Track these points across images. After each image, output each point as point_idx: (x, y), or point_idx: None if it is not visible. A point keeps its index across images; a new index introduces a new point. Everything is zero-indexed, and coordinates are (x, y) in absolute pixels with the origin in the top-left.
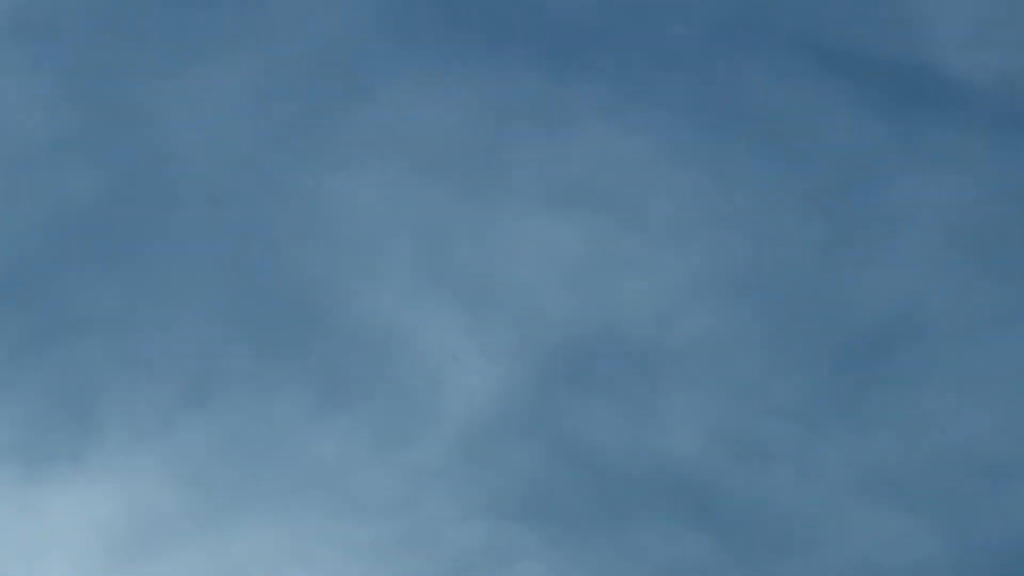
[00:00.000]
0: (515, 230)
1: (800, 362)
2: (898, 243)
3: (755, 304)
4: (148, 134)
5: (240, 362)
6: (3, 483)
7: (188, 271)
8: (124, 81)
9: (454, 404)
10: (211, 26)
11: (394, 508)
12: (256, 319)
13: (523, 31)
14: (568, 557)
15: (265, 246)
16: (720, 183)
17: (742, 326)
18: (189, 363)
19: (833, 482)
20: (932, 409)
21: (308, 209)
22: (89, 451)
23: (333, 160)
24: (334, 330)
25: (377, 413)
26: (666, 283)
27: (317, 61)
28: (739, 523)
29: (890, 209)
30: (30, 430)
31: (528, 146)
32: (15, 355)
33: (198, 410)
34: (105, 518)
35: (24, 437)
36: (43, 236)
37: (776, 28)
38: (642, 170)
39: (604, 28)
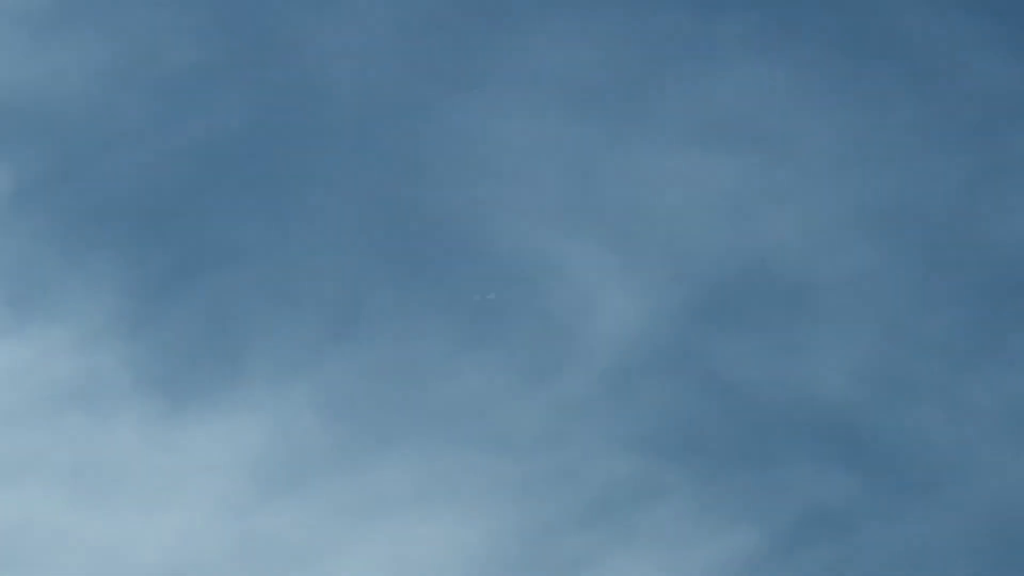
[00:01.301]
0: (665, 164)
1: (949, 299)
2: None
3: (904, 241)
4: (298, 65)
5: (388, 294)
6: (151, 416)
7: (336, 203)
8: (274, 11)
9: (602, 338)
10: None
11: (541, 442)
12: (404, 252)
13: None
14: (714, 493)
15: (414, 179)
16: (869, 120)
17: (891, 263)
18: (336, 296)
19: (981, 419)
20: None
21: (458, 142)
22: (235, 385)
23: (483, 94)
24: (483, 263)
25: (524, 346)
26: (815, 219)
27: None
28: (886, 460)
29: None
30: (177, 364)
31: (678, 81)
32: (162, 288)
33: (345, 343)
34: (252, 450)
35: (171, 371)
36: (191, 167)
37: None
38: (791, 105)
39: None
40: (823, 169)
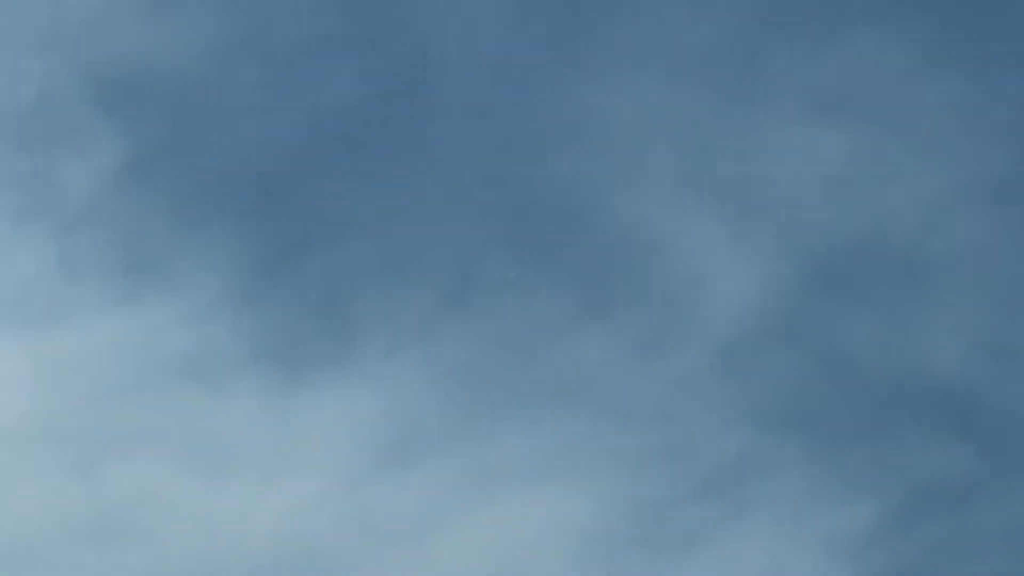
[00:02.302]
0: (778, 137)
1: None
2: None
3: (1018, 214)
4: (412, 38)
5: (501, 268)
6: (265, 390)
7: (448, 177)
8: None
9: (715, 312)
10: None
11: (654, 416)
12: (517, 225)
13: None
14: (827, 468)
15: (527, 152)
16: (984, 94)
17: (1005, 235)
18: (449, 269)
19: None
20: None
21: (570, 116)
22: (350, 358)
23: (595, 67)
24: (596, 236)
25: (638, 320)
26: (929, 191)
27: None
28: (1001, 434)
29: None
30: (291, 337)
31: (791, 53)
32: (276, 261)
33: (458, 317)
34: (365, 425)
35: (285, 344)
36: (305, 139)
37: None
38: (905, 78)
39: None
40: (937, 142)
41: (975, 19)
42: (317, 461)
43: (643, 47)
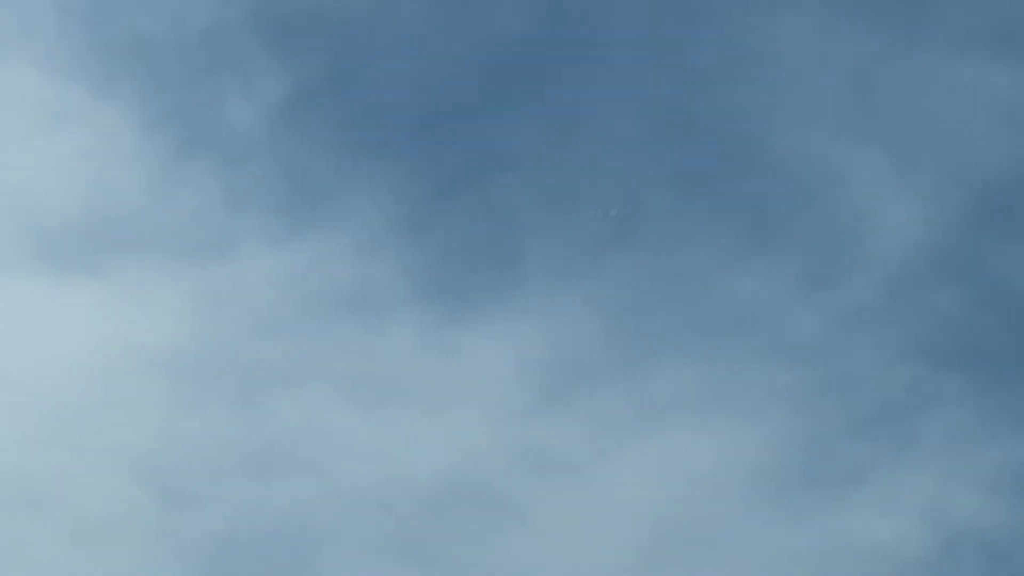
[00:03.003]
0: (944, 71)
1: None
2: None
3: None
4: None
5: (665, 201)
6: (428, 323)
7: (614, 108)
8: None
9: (880, 245)
10: None
11: (818, 350)
12: (681, 157)
13: None
14: (993, 402)
15: (691, 85)
16: None
17: None
18: (614, 202)
19: None
20: None
21: (737, 49)
22: (512, 291)
23: (760, 0)
24: (760, 169)
25: (802, 254)
26: None
27: None
28: None
29: None
30: (454, 270)
31: None
32: (439, 195)
33: (622, 249)
34: (528, 358)
35: (448, 277)
36: (469, 72)
37: None
38: None
39: None
40: None
41: None
42: (480, 394)
43: None
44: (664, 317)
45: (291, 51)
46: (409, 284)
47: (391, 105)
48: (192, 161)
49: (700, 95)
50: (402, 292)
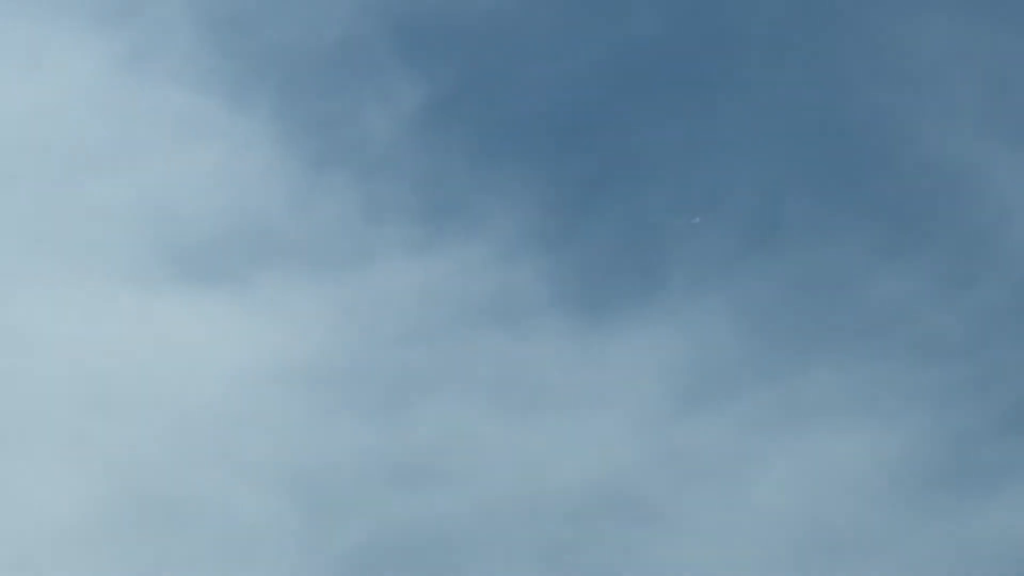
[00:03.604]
0: None
1: None
2: None
3: None
4: None
5: (805, 204)
6: (570, 330)
7: (751, 110)
8: None
9: (1022, 245)
10: None
11: (961, 350)
12: (821, 160)
13: None
14: None
15: (830, 88)
16: None
17: None
18: (754, 206)
19: None
20: None
21: (875, 49)
22: (653, 296)
23: (900, 1)
24: (900, 171)
25: (944, 254)
26: None
27: None
28: None
29: None
30: (594, 276)
31: None
32: (578, 201)
33: (763, 253)
34: (671, 363)
35: (589, 284)
36: (606, 77)
37: None
38: None
39: None
40: None
41: None
42: (623, 400)
43: None
44: (806, 320)
45: (427, 60)
46: (550, 291)
47: (528, 112)
48: (330, 172)
49: (839, 97)
50: (544, 299)
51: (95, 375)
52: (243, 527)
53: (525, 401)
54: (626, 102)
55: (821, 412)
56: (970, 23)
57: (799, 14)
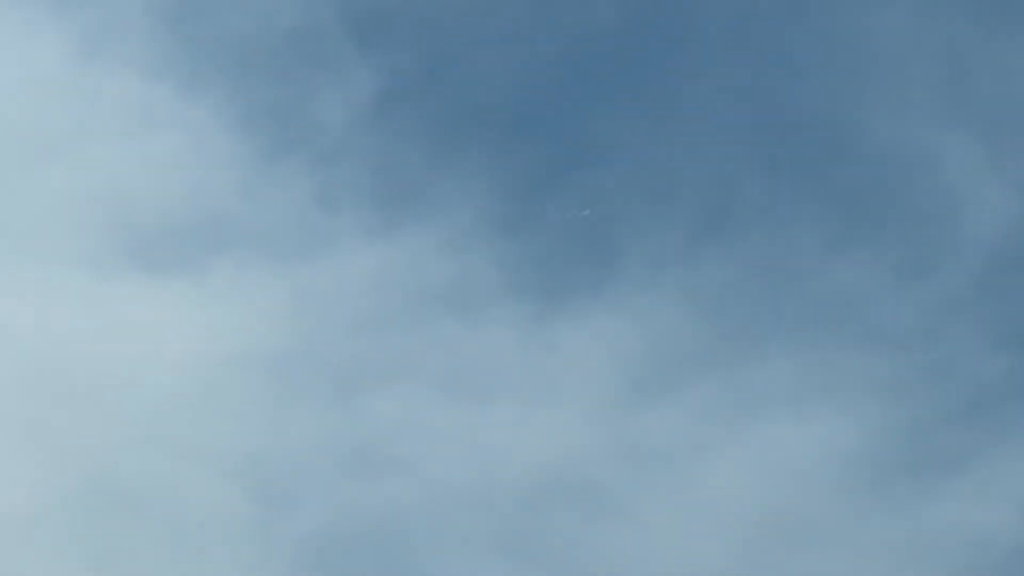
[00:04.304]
0: None
1: None
2: None
3: None
4: None
5: (759, 192)
6: (524, 318)
7: (707, 100)
8: None
9: (976, 233)
10: None
11: (914, 339)
12: (775, 148)
13: None
14: None
15: (785, 75)
16: None
17: None
18: (708, 194)
19: None
20: None
21: (827, 37)
22: (608, 284)
23: None
24: (854, 158)
25: (897, 243)
26: None
27: None
28: None
29: None
30: (549, 264)
31: None
32: (533, 188)
33: (717, 242)
34: (625, 351)
35: (543, 272)
36: (561, 65)
37: None
38: None
39: None
40: None
41: None
42: (577, 388)
43: None
44: (760, 308)
45: (381, 47)
46: (504, 279)
47: (484, 100)
48: (285, 159)
49: (794, 85)
50: (498, 287)
51: (48, 362)
52: (196, 514)
53: (479, 389)
54: (582, 90)
55: (776, 401)
56: (923, 12)
57: (754, 4)
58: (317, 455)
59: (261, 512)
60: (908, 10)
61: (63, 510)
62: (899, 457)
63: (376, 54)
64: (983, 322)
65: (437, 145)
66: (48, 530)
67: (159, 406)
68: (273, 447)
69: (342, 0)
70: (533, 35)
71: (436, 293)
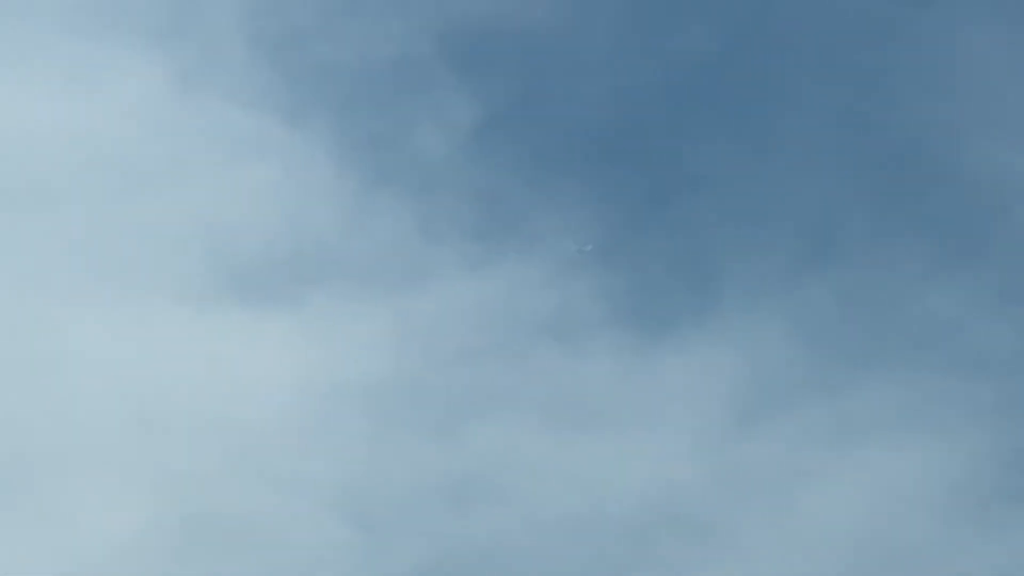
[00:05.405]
0: None
1: None
2: None
3: None
4: None
5: (859, 219)
6: (625, 347)
7: (806, 127)
8: None
9: None
10: None
11: (1017, 365)
12: (874, 174)
13: None
14: None
15: (883, 100)
16: None
17: None
18: (808, 220)
19: None
20: None
21: (925, 60)
22: (709, 312)
23: (948, 15)
24: (954, 185)
25: (998, 267)
26: None
27: None
28: None
29: None
30: (650, 293)
31: None
32: (633, 217)
33: (817, 269)
34: (726, 379)
35: (644, 301)
36: (660, 92)
37: None
38: None
39: None
40: None
41: None
42: (678, 417)
43: None
44: (861, 335)
45: (480, 77)
46: (605, 308)
47: (582, 128)
48: (385, 190)
49: (892, 111)
50: (599, 316)
51: (149, 396)
52: (300, 546)
53: (580, 419)
54: (680, 117)
55: (877, 427)
56: (1017, 34)
57: (852, 30)
58: (419, 486)
59: (364, 543)
60: (1005, 36)
61: (164, 543)
62: (1001, 483)
63: (475, 84)
64: None
65: (536, 175)
66: (149, 563)
67: (261, 439)
68: (375, 479)
69: (441, 31)
70: (630, 63)
71: (537, 323)
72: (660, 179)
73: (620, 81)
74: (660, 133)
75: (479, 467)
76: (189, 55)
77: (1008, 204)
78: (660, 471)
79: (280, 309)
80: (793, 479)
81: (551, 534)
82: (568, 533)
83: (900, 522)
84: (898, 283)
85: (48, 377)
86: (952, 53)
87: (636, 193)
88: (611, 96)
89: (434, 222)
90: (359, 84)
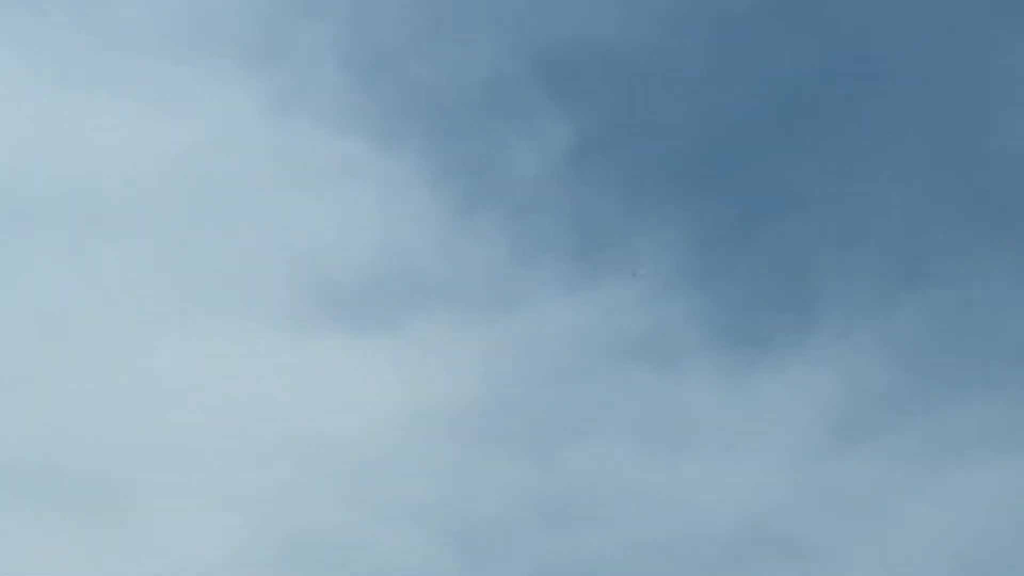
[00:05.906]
0: None
1: None
2: None
3: None
4: (857, 5)
5: (954, 236)
6: (721, 368)
7: (901, 145)
8: None
9: None
10: None
11: None
12: (969, 191)
13: None
14: None
15: (974, 120)
16: None
17: None
18: (905, 238)
19: None
20: None
21: (1020, 79)
22: (807, 332)
23: None
24: None
25: None
26: None
27: None
28: None
29: None
30: (747, 313)
31: None
32: (729, 237)
33: (914, 287)
34: (824, 398)
35: (740, 321)
36: (754, 112)
37: None
38: None
39: None
40: None
41: None
42: (775, 437)
43: None
44: (959, 352)
45: (574, 98)
46: (702, 329)
47: (677, 149)
48: (479, 213)
49: (985, 129)
50: (695, 337)
51: (245, 417)
52: (391, 567)
53: (677, 441)
54: (775, 138)
55: (973, 446)
56: None
57: (944, 47)
58: (515, 508)
59: (459, 565)
60: None
61: (263, 564)
62: None
63: (569, 106)
64: None
65: (631, 196)
66: None
67: (357, 461)
68: (471, 500)
69: (534, 53)
70: (724, 84)
71: (633, 344)
72: (755, 200)
73: (715, 102)
74: (755, 154)
75: (575, 489)
76: (282, 79)
77: None
78: (756, 491)
79: (375, 332)
80: (890, 498)
81: (648, 555)
82: (665, 553)
83: (997, 540)
84: (994, 302)
85: (145, 400)
86: None
87: (732, 214)
88: (706, 117)
89: (529, 244)
90: (452, 106)
